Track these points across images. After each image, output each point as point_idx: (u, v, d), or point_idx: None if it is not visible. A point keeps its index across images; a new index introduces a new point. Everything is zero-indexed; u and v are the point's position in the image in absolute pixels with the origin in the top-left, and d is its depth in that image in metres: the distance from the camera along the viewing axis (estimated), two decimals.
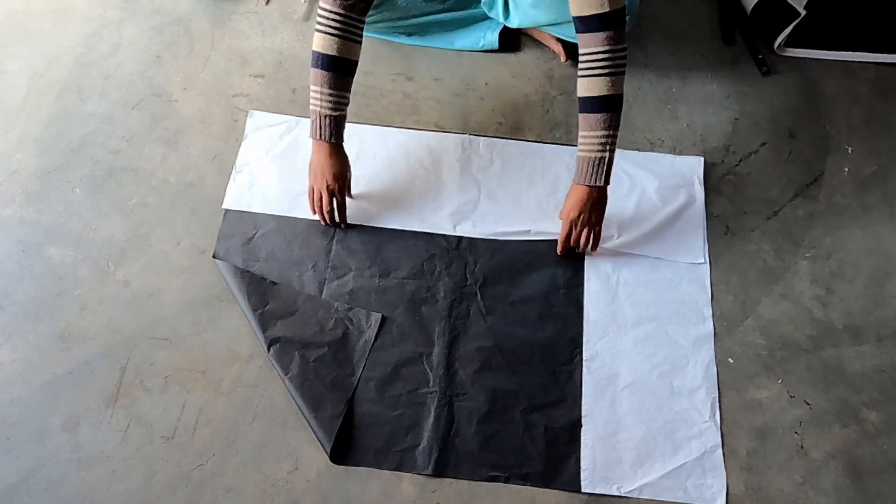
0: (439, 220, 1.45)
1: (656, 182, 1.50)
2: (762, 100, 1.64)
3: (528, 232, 1.43)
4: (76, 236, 1.42)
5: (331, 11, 1.27)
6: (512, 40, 1.68)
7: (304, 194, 1.43)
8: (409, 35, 1.67)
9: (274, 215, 1.44)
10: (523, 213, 1.46)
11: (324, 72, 1.29)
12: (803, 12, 1.59)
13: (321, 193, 1.38)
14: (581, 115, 1.30)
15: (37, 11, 1.72)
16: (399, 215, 1.45)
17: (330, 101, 1.31)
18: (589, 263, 1.41)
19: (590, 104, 1.27)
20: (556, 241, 1.40)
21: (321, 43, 1.29)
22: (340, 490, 1.20)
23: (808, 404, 1.30)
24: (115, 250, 1.41)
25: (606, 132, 1.28)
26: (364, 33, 1.66)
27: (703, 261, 1.42)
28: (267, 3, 1.76)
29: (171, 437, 1.24)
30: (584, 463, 1.23)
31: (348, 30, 1.29)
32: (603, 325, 1.35)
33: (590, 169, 1.30)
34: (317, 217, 1.42)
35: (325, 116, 1.32)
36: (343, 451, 1.23)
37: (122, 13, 1.72)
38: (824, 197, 1.52)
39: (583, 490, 1.21)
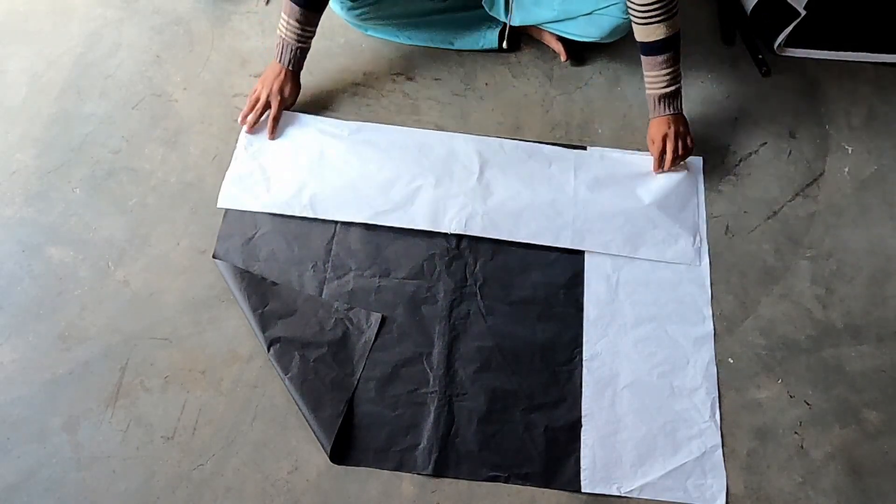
0: (440, 218, 1.42)
1: (656, 182, 1.50)
2: (762, 100, 1.64)
3: (527, 234, 1.42)
4: (76, 236, 1.42)
5: None
6: (512, 40, 1.68)
7: (301, 193, 1.44)
8: (409, 35, 1.67)
9: (271, 215, 1.44)
10: (526, 211, 1.45)
11: (295, 6, 1.42)
12: (803, 12, 1.59)
13: (259, 96, 1.51)
14: (644, 58, 1.42)
15: (37, 11, 1.72)
16: (389, 208, 1.43)
17: (296, 34, 1.46)
18: (589, 263, 1.41)
19: (651, 48, 1.39)
20: (552, 247, 1.41)
21: None
22: (340, 490, 1.20)
23: (808, 404, 1.30)
24: (115, 250, 1.41)
25: (671, 69, 1.41)
26: (365, 32, 1.68)
27: (703, 261, 1.42)
28: (267, 2, 1.76)
29: (171, 437, 1.24)
30: (584, 463, 1.23)
31: None
32: (603, 325, 1.35)
33: (665, 102, 1.44)
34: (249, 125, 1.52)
35: (289, 46, 1.47)
36: (343, 451, 1.23)
37: (122, 13, 1.72)
38: (824, 197, 1.52)
39: (583, 490, 1.21)
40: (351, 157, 1.50)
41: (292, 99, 1.54)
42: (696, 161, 1.54)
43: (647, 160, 1.52)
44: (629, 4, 1.37)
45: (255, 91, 1.52)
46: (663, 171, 1.50)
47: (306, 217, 1.43)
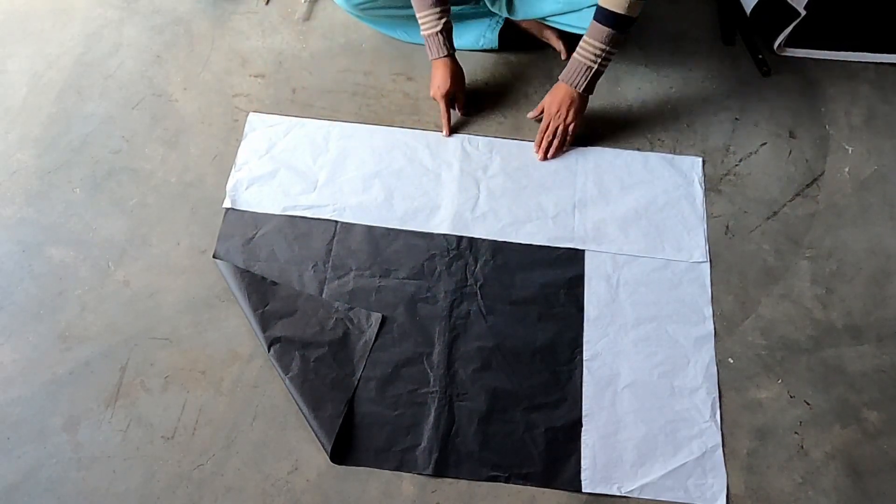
0: (438, 223, 1.45)
1: (656, 182, 1.50)
2: (762, 100, 1.64)
3: (525, 234, 1.44)
4: (76, 236, 1.42)
5: None
6: (512, 40, 1.68)
7: (303, 194, 1.47)
8: (408, 31, 1.67)
9: (273, 215, 1.44)
10: (522, 211, 1.47)
11: None
12: (803, 12, 1.59)
13: (441, 106, 1.54)
14: (593, 22, 1.37)
15: (37, 11, 1.72)
16: (398, 215, 1.45)
17: (434, 18, 1.44)
18: (589, 263, 1.41)
19: (603, 15, 1.35)
20: (552, 246, 1.42)
21: None
22: (340, 490, 1.20)
23: (808, 404, 1.30)
24: (115, 250, 1.41)
25: (605, 46, 1.37)
26: (366, 22, 1.67)
27: (703, 260, 1.42)
28: (267, 2, 1.76)
29: (171, 437, 1.24)
30: (584, 463, 1.23)
31: None
32: (603, 325, 1.35)
33: (578, 73, 1.43)
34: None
35: (435, 34, 1.46)
36: (343, 451, 1.23)
37: (122, 13, 1.72)
38: (824, 197, 1.52)
39: (583, 490, 1.21)
40: (352, 160, 1.52)
41: (460, 85, 1.55)
42: (696, 161, 1.54)
43: (646, 158, 1.54)
44: None
45: (437, 100, 1.54)
46: (539, 152, 1.51)
47: (321, 218, 1.45)
